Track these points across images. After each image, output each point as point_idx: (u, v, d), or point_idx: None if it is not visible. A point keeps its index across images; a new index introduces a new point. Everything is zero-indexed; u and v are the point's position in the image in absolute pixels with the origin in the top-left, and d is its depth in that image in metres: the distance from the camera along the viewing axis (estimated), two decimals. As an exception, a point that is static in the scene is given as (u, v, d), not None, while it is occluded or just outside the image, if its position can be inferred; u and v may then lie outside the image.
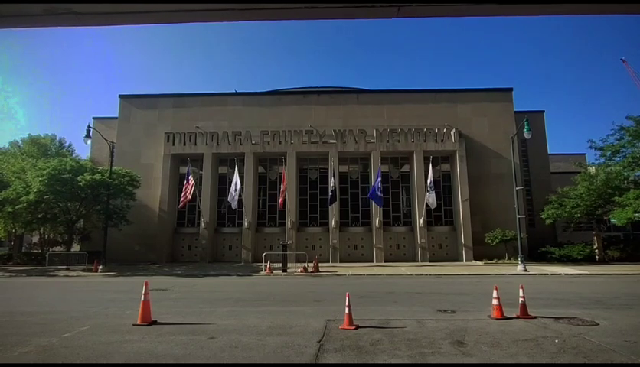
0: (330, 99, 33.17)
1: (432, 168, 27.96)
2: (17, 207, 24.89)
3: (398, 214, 31.47)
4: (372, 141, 30.21)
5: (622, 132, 26.15)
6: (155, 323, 8.21)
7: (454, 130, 30.15)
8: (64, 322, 8.55)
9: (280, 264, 22.12)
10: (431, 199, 26.94)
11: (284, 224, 29.80)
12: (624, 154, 26.48)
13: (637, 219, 24.50)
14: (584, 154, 40.15)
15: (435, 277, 18.97)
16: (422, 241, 28.82)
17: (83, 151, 63.33)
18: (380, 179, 26.92)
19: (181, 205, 27.69)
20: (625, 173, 26.34)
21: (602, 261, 26.39)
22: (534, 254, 28.34)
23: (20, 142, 38.00)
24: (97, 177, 25.24)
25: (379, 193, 26.31)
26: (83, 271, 22.98)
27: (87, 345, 6.74)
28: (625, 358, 5.85)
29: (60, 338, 7.14)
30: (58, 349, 6.51)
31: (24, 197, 24.75)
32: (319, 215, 31.21)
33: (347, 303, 7.86)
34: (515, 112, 31.82)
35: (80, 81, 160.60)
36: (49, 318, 9.00)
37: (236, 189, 27.22)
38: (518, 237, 23.43)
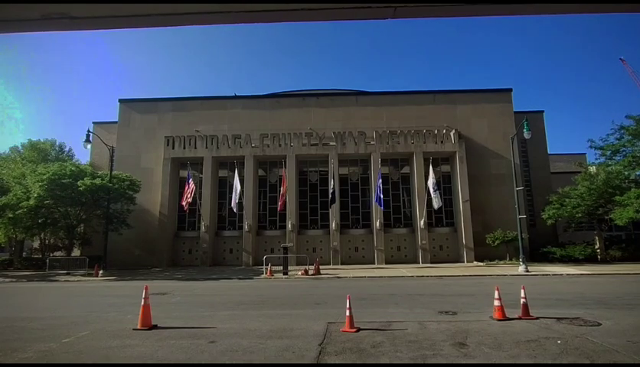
0: (329, 102, 33.22)
1: (433, 169, 27.97)
2: (17, 212, 24.86)
3: (399, 216, 31.44)
4: (372, 142, 30.23)
5: (622, 131, 26.19)
6: (155, 327, 8.18)
7: (453, 131, 30.16)
8: (64, 327, 8.52)
9: (281, 267, 22.12)
10: (436, 199, 26.84)
11: (284, 227, 29.77)
12: (624, 153, 26.52)
13: (638, 218, 24.46)
14: (584, 153, 40.14)
15: (436, 279, 18.92)
16: (423, 242, 28.78)
17: (83, 155, 63.64)
18: (380, 181, 27.07)
19: (185, 208, 27.63)
20: (626, 173, 26.35)
21: (604, 261, 26.31)
22: (536, 254, 28.23)
23: (20, 147, 38.04)
24: (97, 181, 25.24)
25: (380, 195, 26.73)
26: (84, 275, 22.94)
27: (87, 350, 6.72)
28: (628, 358, 5.81)
29: (60, 343, 7.12)
30: (58, 354, 6.48)
31: (24, 202, 24.73)
32: (320, 217, 31.19)
33: (348, 306, 7.84)
34: (515, 112, 31.84)
35: (80, 86, 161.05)
36: (49, 323, 8.97)
37: (236, 193, 27.24)
38: (519, 237, 23.37)
